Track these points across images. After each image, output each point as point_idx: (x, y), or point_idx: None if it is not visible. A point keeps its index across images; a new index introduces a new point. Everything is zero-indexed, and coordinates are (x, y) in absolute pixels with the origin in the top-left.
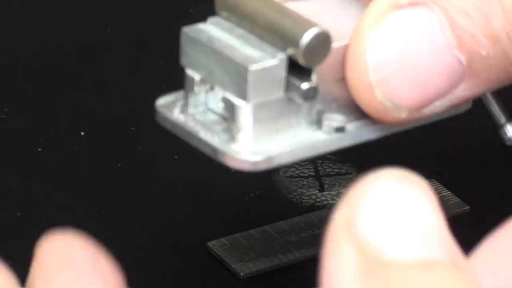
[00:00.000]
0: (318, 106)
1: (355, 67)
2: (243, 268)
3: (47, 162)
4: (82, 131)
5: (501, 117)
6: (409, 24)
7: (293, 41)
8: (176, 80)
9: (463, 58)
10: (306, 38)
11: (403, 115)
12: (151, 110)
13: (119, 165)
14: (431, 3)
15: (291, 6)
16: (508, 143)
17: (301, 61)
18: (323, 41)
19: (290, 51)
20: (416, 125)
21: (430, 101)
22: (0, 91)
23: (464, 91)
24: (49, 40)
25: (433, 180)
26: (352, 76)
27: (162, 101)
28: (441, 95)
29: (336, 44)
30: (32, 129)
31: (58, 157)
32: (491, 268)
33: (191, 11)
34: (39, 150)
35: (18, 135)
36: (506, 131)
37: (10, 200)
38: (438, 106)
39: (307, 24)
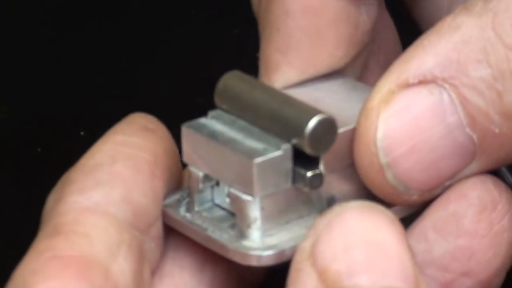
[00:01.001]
0: (328, 193)
1: (364, 150)
2: None
3: (47, 162)
4: (82, 131)
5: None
6: (419, 103)
7: (297, 130)
8: (175, 80)
9: (475, 137)
10: (311, 126)
11: (414, 197)
12: (151, 110)
13: None
14: (441, 81)
15: (293, 92)
16: None
17: (307, 150)
18: (328, 127)
19: (295, 140)
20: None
21: (442, 182)
22: (0, 91)
23: (475, 169)
24: (50, 41)
25: None
26: (362, 159)
27: (168, 201)
28: (452, 175)
29: (342, 129)
30: (32, 129)
31: (58, 157)
32: (438, 232)
33: (192, 11)
34: (39, 150)
35: (18, 135)
36: None
37: (10, 200)
38: (448, 186)
39: (311, 111)
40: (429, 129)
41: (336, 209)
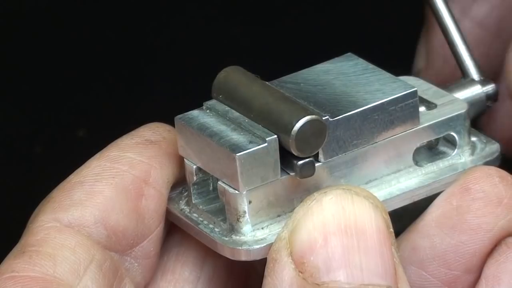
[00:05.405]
0: (324, 184)
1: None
2: None
3: (47, 162)
4: (81, 131)
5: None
6: None
7: (285, 130)
8: (174, 80)
9: None
10: (298, 126)
11: None
12: (150, 110)
13: None
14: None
15: (303, 75)
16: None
17: (294, 151)
18: (317, 129)
19: (283, 137)
20: None
21: None
22: (0, 91)
23: None
24: (49, 41)
25: None
26: None
27: (172, 194)
28: None
29: (342, 115)
30: (32, 129)
31: (57, 157)
32: (441, 227)
33: (192, 11)
34: (39, 150)
35: (18, 135)
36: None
37: (10, 200)
38: None
39: (301, 112)
40: None
41: (316, 195)
